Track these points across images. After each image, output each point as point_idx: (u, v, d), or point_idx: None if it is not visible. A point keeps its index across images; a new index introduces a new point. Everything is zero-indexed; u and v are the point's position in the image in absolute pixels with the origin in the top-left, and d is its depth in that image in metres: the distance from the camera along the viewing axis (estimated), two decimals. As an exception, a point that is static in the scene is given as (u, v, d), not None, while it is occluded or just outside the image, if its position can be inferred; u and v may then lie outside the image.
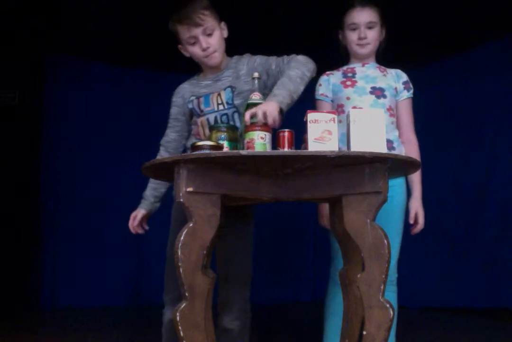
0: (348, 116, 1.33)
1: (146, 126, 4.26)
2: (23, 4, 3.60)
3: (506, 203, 3.87)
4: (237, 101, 1.74)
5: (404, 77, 2.02)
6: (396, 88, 1.98)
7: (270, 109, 1.44)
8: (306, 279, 4.79)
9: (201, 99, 1.79)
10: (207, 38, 1.73)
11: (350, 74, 1.99)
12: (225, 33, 1.80)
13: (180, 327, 1.18)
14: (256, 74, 1.57)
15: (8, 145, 3.92)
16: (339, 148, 1.31)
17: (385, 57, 2.04)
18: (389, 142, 1.88)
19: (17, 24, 3.88)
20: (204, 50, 1.74)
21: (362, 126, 1.30)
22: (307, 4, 3.65)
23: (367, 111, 1.38)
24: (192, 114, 1.83)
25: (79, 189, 4.35)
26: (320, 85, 2.02)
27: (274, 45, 1.81)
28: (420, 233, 1.95)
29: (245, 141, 1.42)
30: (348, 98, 1.93)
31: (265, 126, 1.42)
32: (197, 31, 1.72)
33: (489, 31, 3.80)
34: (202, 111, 1.78)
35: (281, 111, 1.49)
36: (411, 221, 1.94)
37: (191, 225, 1.21)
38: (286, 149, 1.38)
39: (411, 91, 2.01)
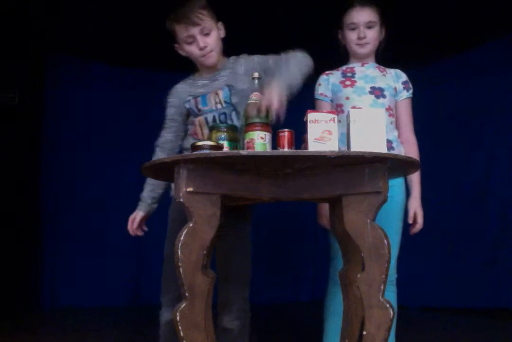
0: (348, 116, 1.33)
1: (146, 126, 4.23)
2: (23, 4, 3.60)
3: (506, 203, 3.87)
4: (234, 100, 1.74)
5: (404, 77, 2.01)
6: (395, 88, 1.98)
7: (275, 97, 1.42)
8: (306, 279, 4.79)
9: (199, 98, 1.78)
10: (204, 38, 1.73)
11: (349, 74, 1.99)
12: (222, 33, 1.81)
13: (180, 327, 1.18)
14: (256, 74, 1.57)
15: (8, 145, 3.93)
16: (338, 148, 1.30)
17: (385, 57, 2.04)
18: (388, 142, 1.88)
19: (17, 24, 3.89)
20: (201, 49, 1.74)
21: (362, 126, 1.30)
22: (307, 4, 3.65)
23: (367, 111, 1.38)
24: (188, 114, 1.82)
25: (79, 189, 4.35)
26: (320, 85, 2.02)
27: (274, 45, 1.80)
28: (420, 233, 1.95)
29: (245, 141, 1.42)
30: (347, 98, 1.93)
31: (265, 126, 1.42)
32: (195, 31, 1.72)
33: (489, 31, 3.80)
34: (200, 110, 1.78)
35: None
36: (410, 221, 1.94)
37: (191, 225, 1.21)
38: (286, 149, 1.38)
39: (411, 91, 2.01)
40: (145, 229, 1.88)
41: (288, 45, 1.81)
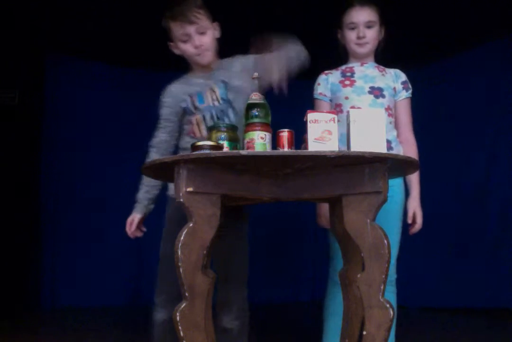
0: (348, 116, 1.33)
1: (146, 126, 4.23)
2: (23, 4, 3.60)
3: (506, 203, 3.87)
4: (230, 96, 1.75)
5: (403, 77, 2.01)
6: (394, 88, 1.97)
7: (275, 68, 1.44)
8: (306, 279, 4.80)
9: (195, 97, 1.78)
10: (200, 37, 1.74)
11: (348, 74, 1.98)
12: (218, 34, 1.81)
13: (180, 327, 1.18)
14: (256, 74, 1.57)
15: (8, 145, 3.93)
16: (338, 148, 1.30)
17: (385, 57, 2.04)
18: (387, 142, 1.88)
19: (17, 24, 3.89)
20: (196, 47, 1.74)
21: (362, 126, 1.30)
22: (306, 4, 3.65)
23: (367, 111, 1.38)
24: (184, 114, 1.81)
25: (79, 189, 4.35)
26: (319, 84, 2.01)
27: (273, 45, 1.81)
28: (419, 233, 1.95)
29: (245, 141, 1.42)
30: (346, 98, 1.93)
31: (265, 126, 1.42)
32: (191, 29, 1.72)
33: (489, 31, 3.80)
34: (196, 108, 1.77)
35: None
36: (409, 221, 1.93)
37: (191, 225, 1.20)
38: (286, 149, 1.38)
39: (410, 91, 2.01)
40: (144, 229, 1.88)
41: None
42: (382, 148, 1.28)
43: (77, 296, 4.20)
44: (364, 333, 1.26)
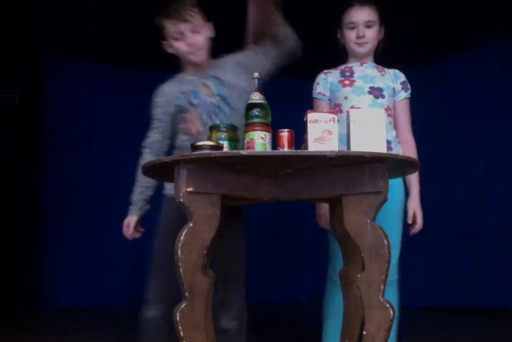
0: (348, 116, 1.33)
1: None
2: (23, 4, 3.60)
3: (506, 203, 3.87)
4: (225, 92, 1.76)
5: (402, 77, 2.01)
6: (394, 89, 1.97)
7: None
8: (305, 278, 4.80)
9: (190, 94, 1.78)
10: (193, 35, 1.75)
11: (348, 74, 1.98)
12: (212, 34, 1.82)
13: (180, 327, 1.18)
14: (256, 74, 1.57)
15: (8, 145, 3.93)
16: (338, 148, 1.30)
17: (385, 56, 2.04)
18: (387, 142, 1.87)
19: (17, 24, 3.89)
20: (189, 46, 1.75)
21: (362, 126, 1.30)
22: (307, 4, 3.65)
23: (367, 111, 1.38)
24: (177, 113, 1.80)
25: (79, 189, 4.35)
26: (318, 83, 2.00)
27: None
28: (419, 233, 1.95)
29: (245, 141, 1.42)
30: (346, 98, 1.92)
31: (265, 126, 1.42)
32: (185, 27, 1.73)
33: (489, 31, 3.81)
34: (192, 104, 1.77)
35: None
36: (409, 221, 1.93)
37: (191, 225, 1.20)
38: (286, 149, 1.38)
39: (409, 91, 2.00)
40: (141, 229, 1.88)
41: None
42: (382, 148, 1.28)
43: (77, 296, 4.20)
44: (364, 333, 1.26)
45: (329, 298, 1.93)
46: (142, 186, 1.81)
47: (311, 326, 2.44)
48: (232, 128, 1.46)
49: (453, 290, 3.93)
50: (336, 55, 2.06)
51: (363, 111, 1.38)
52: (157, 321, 1.70)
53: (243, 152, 1.17)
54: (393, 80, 1.98)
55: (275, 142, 1.42)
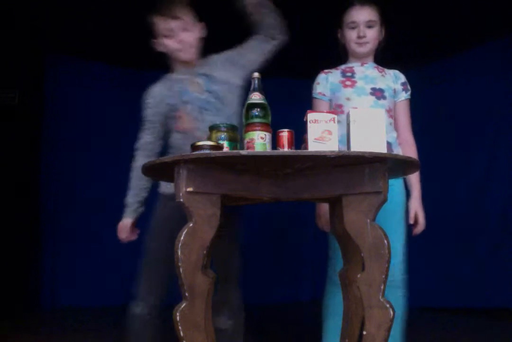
0: (348, 116, 1.33)
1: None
2: (23, 4, 3.60)
3: (506, 203, 3.87)
4: (215, 87, 1.77)
5: (402, 78, 2.00)
6: (394, 89, 1.97)
7: None
8: (305, 278, 4.79)
9: (180, 92, 1.79)
10: (184, 33, 1.76)
11: (349, 74, 1.97)
12: (203, 33, 1.83)
13: (180, 327, 1.18)
14: (256, 74, 1.57)
15: (8, 145, 3.93)
16: (338, 148, 1.30)
17: (385, 56, 2.03)
18: (387, 144, 1.86)
19: (17, 24, 3.89)
20: (179, 42, 1.75)
21: (362, 126, 1.30)
22: (306, 4, 3.65)
23: (367, 111, 1.38)
24: (169, 112, 1.80)
25: (79, 189, 4.35)
26: (318, 83, 1.99)
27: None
28: (420, 233, 1.95)
29: (245, 141, 1.42)
30: (348, 99, 1.91)
31: (265, 126, 1.42)
32: (175, 24, 1.74)
33: (489, 31, 3.81)
34: (183, 102, 1.77)
35: None
36: (411, 221, 1.93)
37: (191, 225, 1.20)
38: (286, 149, 1.38)
39: (409, 92, 2.00)
40: (137, 231, 1.88)
41: (287, 44, 1.82)
42: (382, 149, 1.28)
43: (77, 296, 4.20)
44: (364, 333, 1.26)
45: (329, 298, 1.93)
46: (136, 188, 1.82)
47: (311, 326, 2.44)
48: (232, 128, 1.46)
49: (453, 290, 3.93)
50: (336, 55, 2.05)
51: (363, 111, 1.37)
52: (144, 318, 1.70)
53: (243, 152, 1.17)
54: (393, 81, 1.98)
55: (275, 142, 1.42)
